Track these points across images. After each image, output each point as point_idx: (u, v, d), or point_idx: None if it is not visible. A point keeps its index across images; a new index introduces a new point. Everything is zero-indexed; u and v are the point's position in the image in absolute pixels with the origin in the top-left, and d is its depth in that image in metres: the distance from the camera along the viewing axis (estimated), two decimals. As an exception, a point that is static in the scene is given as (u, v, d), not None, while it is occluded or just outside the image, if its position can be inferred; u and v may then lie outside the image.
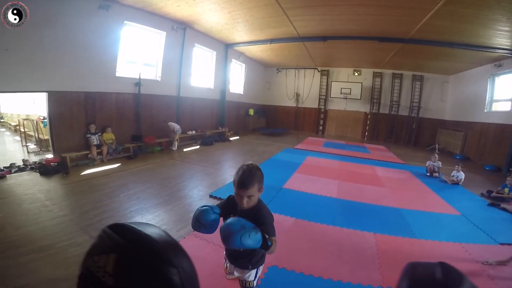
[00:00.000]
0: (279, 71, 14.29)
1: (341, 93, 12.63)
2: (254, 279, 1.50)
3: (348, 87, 12.56)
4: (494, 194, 4.79)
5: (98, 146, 5.33)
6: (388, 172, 6.27)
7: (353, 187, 4.83)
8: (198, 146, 7.76)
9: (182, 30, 7.66)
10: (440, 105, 11.93)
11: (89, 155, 5.21)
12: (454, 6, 4.88)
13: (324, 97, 13.65)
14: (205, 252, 2.39)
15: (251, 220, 1.26)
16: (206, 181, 4.52)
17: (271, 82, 14.78)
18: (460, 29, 6.14)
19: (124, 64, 6.21)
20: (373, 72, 12.67)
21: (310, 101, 13.96)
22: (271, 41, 8.87)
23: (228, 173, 5.11)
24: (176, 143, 7.09)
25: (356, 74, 13.00)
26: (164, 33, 7.16)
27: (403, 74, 12.28)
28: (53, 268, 2.07)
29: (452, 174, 5.73)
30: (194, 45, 8.47)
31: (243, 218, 1.26)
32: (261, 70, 14.46)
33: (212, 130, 9.53)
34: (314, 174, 5.53)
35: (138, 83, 6.39)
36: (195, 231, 2.64)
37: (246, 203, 1.27)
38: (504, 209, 4.12)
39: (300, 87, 14.04)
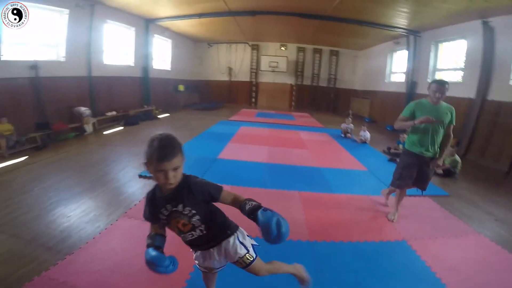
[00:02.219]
0: (211, 46, 13.88)
1: (269, 66, 13.18)
2: (248, 251, 1.30)
3: (276, 61, 13.15)
4: (392, 150, 5.80)
5: (-7, 140, 4.47)
6: (310, 135, 7.10)
7: (281, 151, 5.34)
8: (121, 127, 7.18)
9: (90, 7, 6.67)
10: (352, 77, 13.68)
11: (-18, 152, 4.35)
12: None
13: (255, 70, 14.01)
14: (142, 231, 2.35)
15: (186, 194, 1.13)
16: (134, 162, 4.34)
17: (202, 57, 14.29)
18: (368, 8, 6.91)
19: (11, 46, 5.15)
20: (297, 47, 13.52)
21: (243, 75, 14.16)
22: (200, 15, 8.46)
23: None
24: (88, 126, 6.43)
25: (282, 48, 13.62)
26: (67, 11, 6.12)
27: (322, 50, 13.48)
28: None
29: (360, 134, 6.83)
30: (106, 22, 7.50)
31: (173, 201, 1.13)
32: (191, 45, 13.74)
33: (137, 109, 8.82)
34: (246, 142, 5.88)
35: (34, 65, 5.41)
36: (127, 212, 2.71)
37: (173, 177, 1.06)
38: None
39: (232, 62, 14.03)
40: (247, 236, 1.37)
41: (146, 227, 2.38)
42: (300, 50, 13.54)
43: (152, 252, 1.13)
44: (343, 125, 7.45)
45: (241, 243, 1.30)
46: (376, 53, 11.92)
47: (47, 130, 5.54)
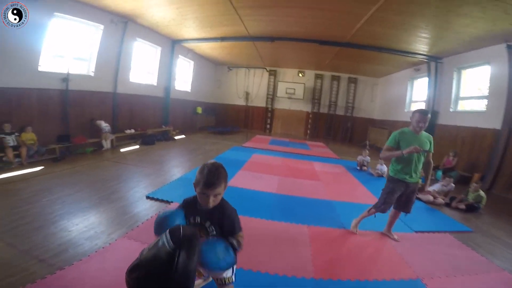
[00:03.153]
0: (230, 69, 14.39)
1: (286, 93, 13.33)
2: (232, 274, 1.51)
3: (293, 87, 13.31)
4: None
5: (16, 148, 4.69)
6: (324, 167, 6.86)
7: (292, 182, 5.14)
8: (137, 146, 7.32)
9: (123, 24, 7.19)
10: (370, 105, 13.50)
11: (4, 158, 4.55)
12: (385, 12, 5.48)
13: (271, 96, 14.22)
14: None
15: (217, 217, 1.36)
16: (143, 182, 4.35)
17: (221, 80, 14.79)
18: (387, 35, 6.97)
19: (49, 58, 5.57)
20: (315, 73, 13.69)
21: (259, 100, 14.40)
22: (222, 39, 8.89)
23: (169, 173, 5.00)
24: (106, 142, 6.61)
25: (300, 75, 13.85)
26: (102, 26, 6.62)
27: (340, 77, 13.53)
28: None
29: (376, 168, 6.55)
30: (135, 40, 8.00)
31: (204, 217, 1.38)
32: (211, 67, 14.33)
33: (155, 129, 9.08)
34: (258, 171, 5.74)
35: (66, 78, 5.78)
36: (128, 233, 2.63)
37: (212, 202, 1.29)
38: (419, 199, 4.64)
39: (250, 86, 14.37)
40: None
41: None
42: (318, 77, 13.70)
43: (168, 212, 1.34)
44: (359, 157, 7.22)
45: (232, 268, 1.49)
46: (395, 80, 11.81)
47: (67, 142, 5.78)
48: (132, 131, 7.98)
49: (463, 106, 7.79)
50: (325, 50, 9.13)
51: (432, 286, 2.19)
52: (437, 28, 6.12)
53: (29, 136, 4.99)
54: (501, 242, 3.22)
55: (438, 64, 8.33)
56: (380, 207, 2.96)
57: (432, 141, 2.79)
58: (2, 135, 4.61)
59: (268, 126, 14.58)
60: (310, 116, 14.09)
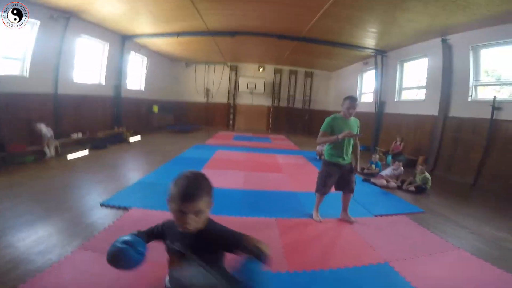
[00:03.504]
0: (188, 66, 13.89)
1: (247, 88, 13.38)
2: None
3: (254, 82, 13.41)
4: (365, 170, 5.90)
5: None
6: (287, 159, 7.06)
7: (257, 176, 5.18)
8: (87, 151, 6.58)
9: (65, 20, 6.44)
10: (326, 98, 14.23)
11: None
12: (338, 7, 5.70)
13: (233, 92, 14.11)
14: (99, 266, 2.07)
15: (204, 243, 0.99)
16: (96, 190, 3.99)
17: (179, 77, 14.21)
18: (340, 29, 7.31)
19: None
20: (274, 68, 13.95)
21: (220, 96, 14.19)
22: (179, 34, 8.47)
23: (125, 178, 4.68)
24: (50, 149, 5.88)
25: (260, 70, 14.00)
26: (38, 22, 5.85)
27: (298, 71, 13.99)
28: None
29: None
30: (79, 36, 7.24)
31: (185, 244, 1.00)
32: (167, 64, 13.65)
33: (106, 131, 8.30)
34: (222, 167, 5.66)
35: (-6, 80, 5.00)
36: (84, 244, 2.38)
37: (192, 221, 0.95)
38: (374, 183, 5.07)
39: (210, 82, 14.07)
40: None
41: (104, 261, 2.13)
42: (277, 71, 13.96)
43: (129, 236, 1.05)
44: (318, 147, 7.57)
45: None
46: (347, 73, 12.60)
47: (1, 152, 5.00)
48: (80, 135, 7.22)
49: (406, 96, 8.63)
50: (283, 45, 9.30)
51: (400, 268, 2.31)
52: (384, 23, 6.63)
53: None
54: (450, 220, 3.58)
55: (383, 58, 9.09)
56: (321, 189, 3.18)
57: (359, 125, 3.07)
58: None
59: (231, 122, 14.48)
60: (271, 110, 14.36)
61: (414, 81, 8.39)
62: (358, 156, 3.18)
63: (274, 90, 14.04)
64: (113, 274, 1.96)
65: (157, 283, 1.94)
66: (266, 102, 14.27)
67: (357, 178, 5.47)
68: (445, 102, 6.52)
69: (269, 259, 0.95)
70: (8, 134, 5.36)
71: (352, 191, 3.20)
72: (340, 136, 2.84)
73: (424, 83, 7.60)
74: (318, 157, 7.41)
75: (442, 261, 2.52)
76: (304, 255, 2.50)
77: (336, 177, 3.12)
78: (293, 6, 6.10)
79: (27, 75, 5.87)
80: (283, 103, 14.27)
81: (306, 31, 7.71)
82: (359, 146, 3.16)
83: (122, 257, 0.99)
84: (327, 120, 3.03)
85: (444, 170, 6.40)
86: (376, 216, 3.59)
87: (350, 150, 3.07)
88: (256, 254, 0.93)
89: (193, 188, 0.96)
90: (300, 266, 2.29)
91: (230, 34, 8.28)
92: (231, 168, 5.68)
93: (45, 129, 5.88)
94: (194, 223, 0.96)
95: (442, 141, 6.55)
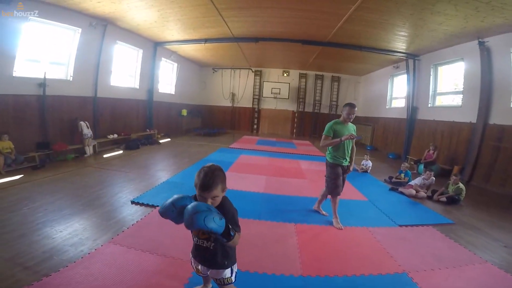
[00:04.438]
0: (215, 71, 14.35)
1: (272, 93, 13.44)
2: (231, 275, 1.51)
3: (278, 87, 13.44)
4: (393, 179, 5.69)
5: (-9, 157, 4.48)
6: (310, 165, 6.96)
7: (279, 181, 5.18)
8: (121, 151, 7.13)
9: (103, 27, 7.01)
10: (354, 103, 13.75)
11: (-21, 169, 4.34)
12: (363, 11, 5.60)
13: (257, 96, 14.29)
14: (125, 259, 2.27)
15: None
16: (128, 188, 4.25)
17: (206, 82, 14.70)
18: (367, 33, 7.13)
19: (24, 63, 5.34)
20: (299, 73, 13.88)
21: (245, 101, 14.42)
22: (206, 40, 8.83)
23: (154, 178, 4.92)
24: (88, 148, 6.43)
25: (285, 75, 14.01)
26: (80, 30, 6.43)
27: (324, 75, 13.78)
28: None
29: (361, 163, 6.70)
30: (116, 42, 7.81)
31: None
32: (196, 69, 14.22)
33: (138, 133, 8.89)
34: (245, 171, 5.74)
35: (42, 83, 5.57)
36: (113, 238, 2.58)
37: (210, 203, 1.26)
38: (401, 193, 4.86)
39: (236, 87, 14.36)
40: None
41: (129, 256, 2.31)
42: (302, 76, 13.88)
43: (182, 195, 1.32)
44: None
45: (231, 269, 1.50)
46: (376, 78, 12.15)
47: (47, 150, 5.56)
48: (115, 136, 7.78)
49: (440, 101, 8.12)
50: (308, 50, 9.26)
51: (418, 279, 2.23)
52: (414, 26, 6.32)
53: (5, 144, 4.77)
54: (482, 233, 3.35)
55: (416, 61, 8.64)
56: (335, 190, 3.31)
57: (355, 129, 3.35)
58: (-24, 145, 4.39)
59: (255, 126, 14.63)
60: (296, 115, 14.26)
61: (450, 86, 7.87)
62: (353, 158, 3.43)
63: (299, 95, 13.96)
64: (136, 267, 2.15)
65: (174, 277, 2.06)
66: (290, 107, 14.22)
67: (384, 187, 5.37)
68: (484, 108, 6.05)
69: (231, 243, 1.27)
70: (52, 133, 5.93)
71: (340, 193, 3.36)
72: (343, 138, 3.08)
73: (461, 88, 7.11)
74: (343, 164, 7.22)
75: (466, 274, 2.38)
76: (320, 261, 2.47)
77: (341, 177, 3.33)
78: (316, 12, 6.09)
79: (71, 79, 6.46)
80: (309, 108, 14.12)
81: (331, 36, 7.62)
82: (355, 149, 3.44)
83: (180, 200, 1.28)
84: (329, 124, 3.28)
85: (482, 181, 5.91)
86: (400, 226, 3.44)
87: (349, 152, 3.33)
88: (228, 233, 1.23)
89: (209, 180, 1.25)
90: (315, 271, 2.28)
91: (253, 40, 8.44)
92: (254, 172, 5.73)
93: (86, 129, 6.45)
94: (212, 204, 1.26)
95: (481, 150, 6.06)
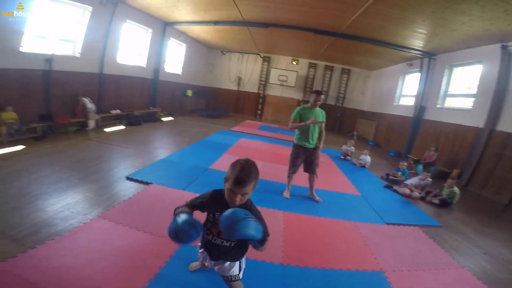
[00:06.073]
0: (223, 54, 14.13)
1: (278, 79, 13.23)
2: (239, 272, 1.50)
3: (285, 75, 13.20)
4: (390, 177, 5.67)
5: (-5, 126, 4.58)
6: (309, 155, 6.96)
7: (274, 168, 5.21)
8: (123, 127, 7.25)
9: (113, 5, 6.91)
10: (361, 97, 13.57)
11: (-18, 137, 4.45)
12: (382, 5, 5.35)
13: (264, 82, 14.09)
14: (113, 234, 2.35)
15: None
16: (124, 163, 4.34)
17: (214, 64, 14.53)
18: (383, 28, 6.83)
19: (33, 39, 5.35)
20: (309, 62, 13.57)
21: (251, 86, 14.28)
22: (215, 23, 8.63)
23: (152, 155, 5.01)
24: (91, 122, 6.55)
25: (294, 63, 13.71)
26: (90, 8, 6.36)
27: (334, 67, 13.46)
28: None
29: (360, 158, 6.69)
30: (125, 21, 7.73)
31: None
32: (204, 51, 14.04)
33: (142, 110, 8.98)
34: (242, 155, 5.68)
35: (49, 59, 5.58)
36: (103, 213, 2.66)
37: (239, 200, 1.23)
38: (396, 191, 4.88)
39: (243, 71, 14.20)
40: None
41: (117, 231, 2.38)
42: (312, 66, 13.59)
43: (189, 216, 1.23)
44: (344, 147, 7.36)
45: (240, 266, 1.50)
46: (388, 74, 11.82)
47: (49, 122, 5.66)
48: (118, 111, 7.84)
49: (450, 103, 7.92)
50: (320, 40, 8.96)
51: (393, 279, 2.28)
52: (434, 24, 6.04)
53: (9, 115, 4.85)
54: (467, 238, 3.37)
55: (431, 60, 8.34)
56: (291, 169, 3.78)
57: (325, 114, 3.64)
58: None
59: (259, 112, 14.54)
60: (301, 103, 14.01)
61: (462, 88, 7.63)
62: (322, 140, 3.68)
63: (306, 84, 13.72)
64: (121, 243, 2.22)
65: (157, 255, 2.13)
66: (296, 95, 14.02)
67: (380, 183, 5.37)
68: (494, 114, 5.88)
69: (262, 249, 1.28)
70: (56, 106, 6.00)
71: (314, 172, 3.76)
72: (308, 122, 3.41)
73: (473, 90, 6.89)
74: (342, 157, 7.22)
75: (439, 278, 2.43)
76: (302, 252, 2.53)
77: (303, 158, 3.71)
78: (332, 1, 5.83)
79: (79, 56, 6.47)
80: (315, 98, 13.90)
81: (346, 27, 7.33)
82: (324, 133, 3.67)
83: (184, 236, 1.18)
84: (296, 109, 3.61)
85: (479, 186, 5.85)
86: (388, 224, 3.48)
87: (316, 136, 3.62)
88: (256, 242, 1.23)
89: (245, 176, 1.20)
90: (295, 261, 2.34)
91: (264, 26, 8.20)
92: (250, 156, 5.69)
93: (89, 104, 6.53)
94: (239, 201, 1.24)
95: (483, 156, 5.95)
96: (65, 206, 2.75)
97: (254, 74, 14.09)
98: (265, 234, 1.21)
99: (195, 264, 2.04)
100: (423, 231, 3.39)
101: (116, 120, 7.74)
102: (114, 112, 7.69)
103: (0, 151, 4.19)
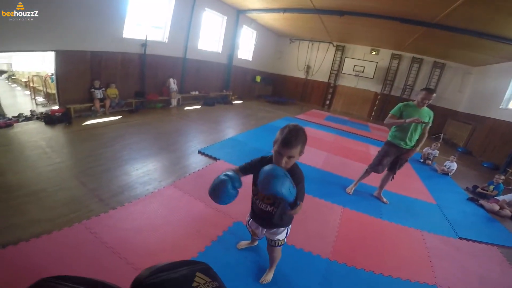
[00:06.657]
0: (292, 42, 13.83)
1: (353, 70, 12.24)
2: (285, 237, 1.60)
3: (362, 65, 12.10)
4: (479, 189, 4.75)
5: (102, 100, 5.61)
6: (381, 152, 6.36)
7: (339, 161, 4.95)
8: (199, 106, 8.08)
9: None
10: (457, 96, 11.41)
11: (92, 108, 5.52)
12: None
13: (336, 72, 13.24)
14: (181, 203, 2.58)
15: None
16: (198, 138, 4.81)
17: (282, 51, 14.36)
18: (493, 19, 5.61)
19: (131, 26, 6.25)
20: (392, 53, 12.04)
21: (321, 75, 13.62)
22: (284, 10, 8.46)
23: (222, 133, 5.42)
24: (174, 100, 7.42)
25: (373, 53, 12.43)
26: None
27: (424, 60, 11.62)
28: (41, 210, 2.19)
29: (444, 164, 5.74)
30: (204, 9, 8.32)
31: None
32: (273, 38, 13.99)
33: (216, 93, 9.75)
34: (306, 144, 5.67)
35: (144, 44, 6.48)
36: (175, 182, 3.00)
37: (284, 163, 1.24)
38: (481, 206, 4.10)
39: (312, 60, 13.64)
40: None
41: (183, 200, 2.63)
42: (395, 57, 12.06)
43: (230, 172, 1.29)
44: (426, 149, 6.42)
45: (286, 232, 1.60)
46: (495, 71, 9.58)
47: (142, 98, 6.64)
48: (196, 92, 8.69)
49: None
50: (407, 30, 7.80)
51: None
52: None
53: (112, 91, 5.88)
54: None
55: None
56: (375, 167, 3.40)
57: (432, 116, 3.09)
58: (93, 89, 5.53)
59: (327, 102, 13.85)
60: (379, 97, 12.78)
61: None
62: (421, 143, 3.21)
63: (387, 76, 12.30)
64: (186, 211, 2.45)
65: (217, 227, 2.32)
66: (373, 87, 12.76)
67: (463, 195, 4.58)
68: None
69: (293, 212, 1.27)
70: (148, 85, 6.97)
71: (395, 172, 3.40)
72: (408, 120, 2.99)
73: None
74: (422, 161, 6.33)
75: None
76: (353, 251, 2.37)
77: (392, 159, 3.31)
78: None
79: (167, 41, 7.30)
80: (396, 92, 12.39)
81: (442, 17, 6.19)
82: (425, 135, 3.19)
83: (221, 188, 1.22)
84: (399, 105, 3.19)
85: None
86: (461, 238, 2.97)
87: (416, 137, 3.16)
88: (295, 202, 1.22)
89: (292, 138, 1.21)
90: (343, 259, 2.22)
91: (338, 13, 7.57)
92: (315, 146, 5.52)
93: (173, 84, 7.43)
94: (285, 164, 1.25)
95: None
96: (146, 172, 3.17)
97: (324, 63, 13.36)
98: (298, 198, 1.20)
99: (244, 243, 2.12)
100: (500, 251, 2.80)
101: (194, 100, 8.65)
102: (193, 93, 8.58)
103: (105, 119, 5.15)
